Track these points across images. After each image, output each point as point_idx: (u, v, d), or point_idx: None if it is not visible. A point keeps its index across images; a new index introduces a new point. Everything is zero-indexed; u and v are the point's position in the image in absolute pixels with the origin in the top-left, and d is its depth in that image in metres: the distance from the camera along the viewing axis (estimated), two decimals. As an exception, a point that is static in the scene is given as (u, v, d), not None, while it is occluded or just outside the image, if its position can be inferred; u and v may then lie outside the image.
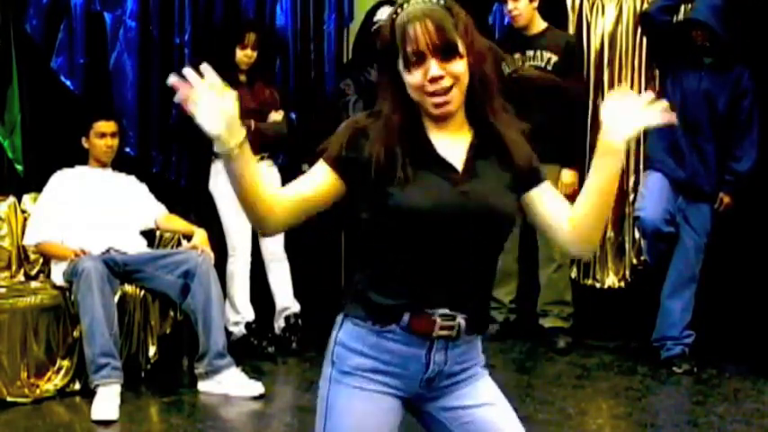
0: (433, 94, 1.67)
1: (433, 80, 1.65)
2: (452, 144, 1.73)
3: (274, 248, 4.60)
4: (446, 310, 1.70)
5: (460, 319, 1.71)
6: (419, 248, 1.68)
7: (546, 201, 1.78)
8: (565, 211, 1.78)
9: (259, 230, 1.77)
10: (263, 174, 4.39)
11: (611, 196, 1.75)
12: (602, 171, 1.72)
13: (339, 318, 1.79)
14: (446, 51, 1.65)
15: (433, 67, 1.65)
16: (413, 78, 1.67)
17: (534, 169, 1.78)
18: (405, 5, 1.68)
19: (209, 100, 1.53)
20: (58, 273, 3.99)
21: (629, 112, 1.68)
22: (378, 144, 1.67)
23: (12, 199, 4.27)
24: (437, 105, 1.68)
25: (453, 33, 1.65)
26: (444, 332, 1.71)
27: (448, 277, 1.70)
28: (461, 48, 1.66)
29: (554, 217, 1.78)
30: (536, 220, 1.80)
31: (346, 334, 1.75)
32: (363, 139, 1.69)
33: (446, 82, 1.66)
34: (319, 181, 1.71)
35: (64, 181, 4.17)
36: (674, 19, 4.51)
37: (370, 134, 1.69)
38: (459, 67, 1.66)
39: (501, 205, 1.72)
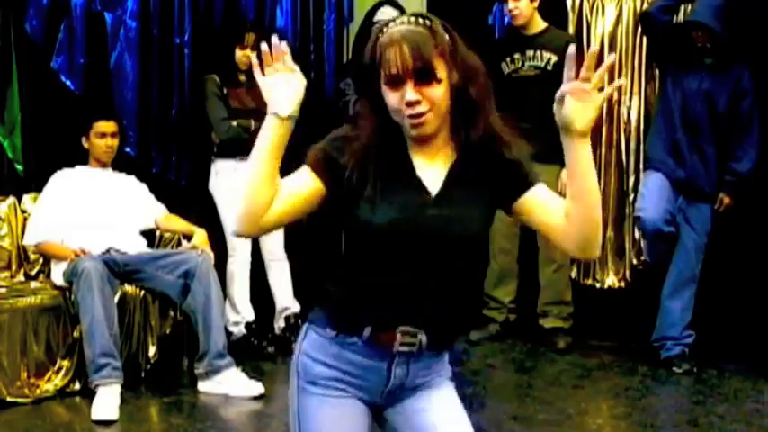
0: (410, 116, 1.66)
1: (410, 104, 1.64)
2: (432, 166, 1.73)
3: (274, 248, 4.61)
4: (408, 327, 1.70)
5: (422, 336, 1.71)
6: (382, 265, 1.69)
7: (541, 202, 1.72)
8: (561, 209, 1.70)
9: (244, 227, 1.67)
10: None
11: (594, 177, 1.67)
12: (577, 158, 1.67)
13: (304, 327, 1.81)
14: (421, 76, 1.63)
15: (409, 92, 1.64)
16: (391, 101, 1.67)
17: (523, 175, 1.73)
18: (390, 24, 1.68)
19: (285, 76, 1.64)
20: (58, 273, 3.99)
21: (581, 98, 1.64)
22: (353, 158, 1.68)
23: (12, 199, 4.27)
24: (413, 126, 1.67)
25: (431, 57, 1.63)
26: (405, 348, 1.71)
27: (410, 296, 1.69)
28: (440, 72, 1.65)
29: (551, 215, 1.70)
30: (534, 222, 1.73)
31: (309, 344, 1.78)
32: (343, 151, 1.69)
33: (422, 107, 1.65)
34: (303, 184, 1.70)
35: (64, 181, 4.17)
36: (675, 19, 4.50)
37: (348, 147, 1.69)
38: (436, 92, 1.65)
39: (468, 232, 1.71)
